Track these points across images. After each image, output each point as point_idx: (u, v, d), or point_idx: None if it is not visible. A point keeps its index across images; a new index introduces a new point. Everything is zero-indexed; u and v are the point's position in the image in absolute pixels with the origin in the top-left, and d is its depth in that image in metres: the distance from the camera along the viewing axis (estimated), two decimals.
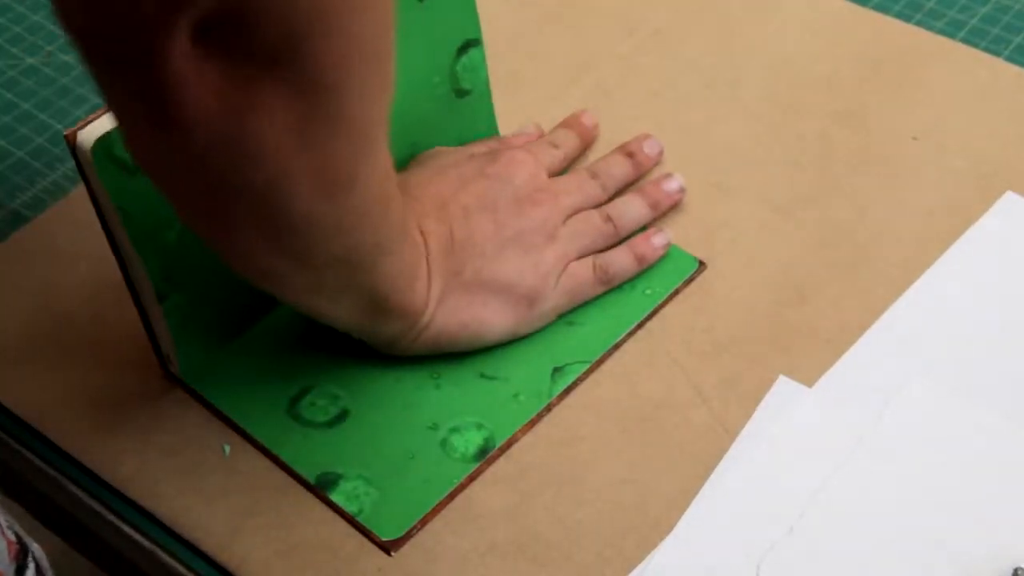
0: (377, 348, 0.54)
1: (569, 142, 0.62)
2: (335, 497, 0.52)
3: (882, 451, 0.52)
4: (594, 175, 0.59)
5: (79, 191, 0.62)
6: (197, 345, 0.55)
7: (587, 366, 0.55)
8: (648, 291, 0.58)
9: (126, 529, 0.53)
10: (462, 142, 0.62)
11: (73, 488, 0.55)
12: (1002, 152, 0.63)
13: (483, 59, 0.60)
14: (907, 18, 0.71)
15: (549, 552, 0.50)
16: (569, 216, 0.57)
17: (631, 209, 0.59)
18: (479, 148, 0.59)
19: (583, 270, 0.56)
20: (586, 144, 0.63)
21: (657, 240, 0.58)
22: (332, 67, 0.36)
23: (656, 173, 0.63)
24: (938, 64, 0.67)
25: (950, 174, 0.62)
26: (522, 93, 0.67)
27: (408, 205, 0.52)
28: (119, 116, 0.38)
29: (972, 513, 0.50)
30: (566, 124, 0.63)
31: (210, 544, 0.51)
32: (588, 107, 0.65)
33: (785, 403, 0.54)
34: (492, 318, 0.54)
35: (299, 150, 0.38)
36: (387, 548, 0.50)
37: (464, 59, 0.59)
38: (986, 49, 0.68)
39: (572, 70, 0.68)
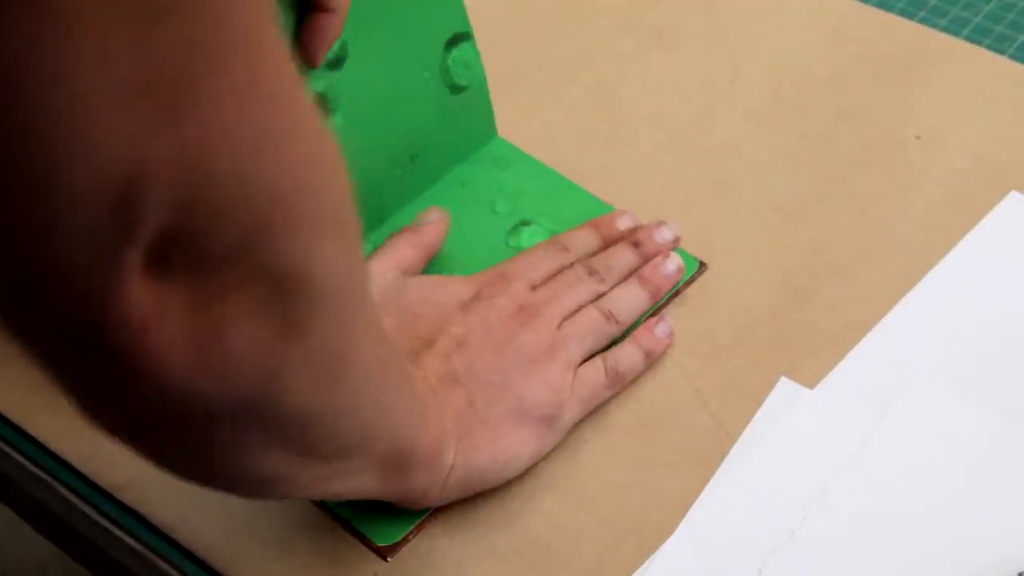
0: (411, 507, 0.50)
1: (585, 245, 0.58)
2: (331, 502, 0.52)
3: (885, 453, 0.52)
4: (592, 271, 0.56)
5: None
6: None
7: None
8: None
9: (120, 534, 0.53)
10: (461, 140, 0.62)
11: (66, 492, 0.54)
12: (1006, 151, 0.63)
13: (477, 55, 0.60)
14: (910, 15, 0.70)
15: (548, 558, 0.50)
16: (565, 319, 0.54)
17: (631, 300, 0.56)
18: (456, 287, 0.55)
19: (594, 375, 0.53)
20: (607, 245, 0.58)
21: (661, 331, 0.56)
22: (301, 251, 0.34)
23: (656, 183, 0.63)
24: (941, 62, 0.67)
25: (953, 174, 0.62)
26: (520, 92, 0.67)
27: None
28: (71, 392, 0.34)
29: (977, 516, 0.50)
30: (594, 225, 0.59)
31: (205, 550, 0.51)
32: (585, 106, 0.65)
33: (786, 405, 0.54)
34: (517, 447, 0.51)
35: (285, 347, 0.35)
36: (383, 554, 0.50)
37: (455, 53, 0.59)
38: (990, 47, 0.68)
39: (570, 68, 0.68)
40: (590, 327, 0.54)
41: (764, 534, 0.50)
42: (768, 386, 0.54)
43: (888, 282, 0.58)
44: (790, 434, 0.53)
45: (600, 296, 0.55)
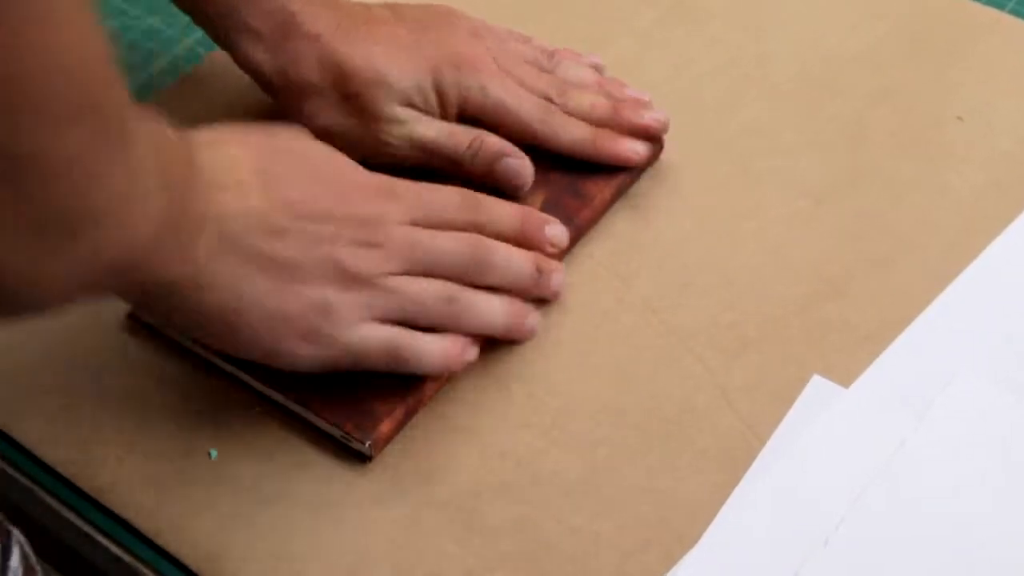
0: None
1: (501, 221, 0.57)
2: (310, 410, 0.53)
3: (925, 455, 0.52)
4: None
5: None
6: None
7: None
8: None
9: (104, 542, 0.53)
10: None
11: (46, 497, 0.54)
12: None
13: None
14: None
15: (564, 566, 0.50)
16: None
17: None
18: None
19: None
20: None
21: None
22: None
23: (677, 167, 0.63)
24: (985, 37, 0.67)
25: (997, 157, 0.62)
26: None
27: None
28: None
29: (1023, 520, 0.50)
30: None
31: (195, 558, 0.51)
32: None
33: (820, 405, 0.53)
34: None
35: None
36: (366, 448, 0.52)
37: None
38: None
39: (589, 45, 0.68)
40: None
41: (796, 542, 0.50)
42: (799, 384, 0.54)
43: (927, 274, 0.58)
44: (824, 436, 0.53)
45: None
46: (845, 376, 0.54)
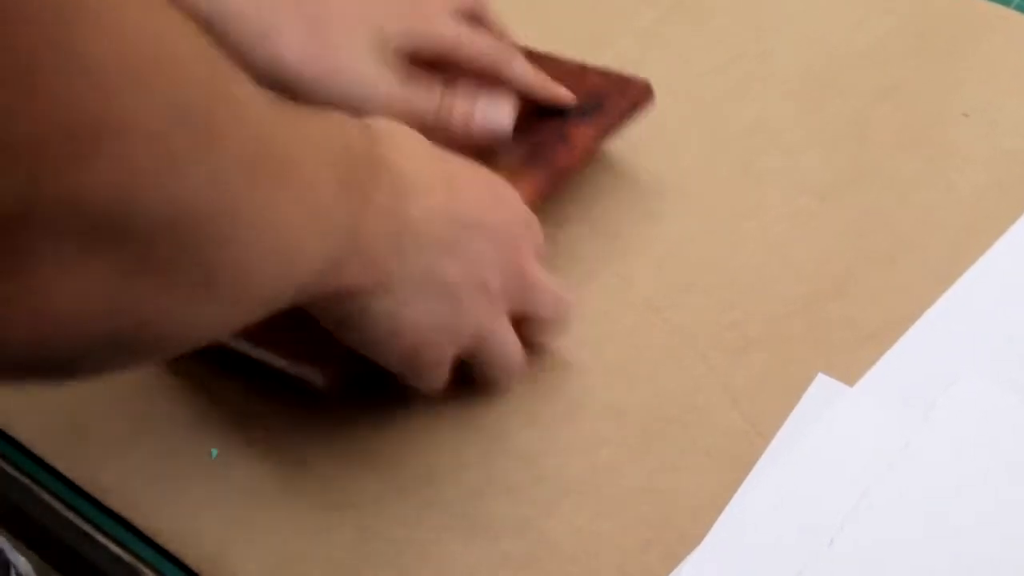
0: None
1: None
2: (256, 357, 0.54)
3: (931, 455, 0.52)
4: None
5: None
6: None
7: None
8: None
9: (105, 542, 0.53)
10: None
11: (47, 497, 0.54)
12: None
13: None
14: None
15: (566, 566, 0.50)
16: None
17: None
18: None
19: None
20: None
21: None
22: (114, 179, 0.31)
23: (680, 165, 0.63)
24: (990, 34, 0.67)
25: (1003, 155, 0.62)
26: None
27: None
28: None
29: None
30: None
31: (196, 558, 0.51)
32: None
33: (824, 404, 0.53)
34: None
35: (129, 287, 0.34)
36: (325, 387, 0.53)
37: None
38: None
39: (589, 44, 0.68)
40: None
41: (800, 543, 0.50)
42: (803, 383, 0.54)
43: (931, 272, 0.58)
44: (828, 435, 0.53)
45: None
46: (849, 375, 0.54)
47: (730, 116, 0.65)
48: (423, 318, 0.48)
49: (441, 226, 0.48)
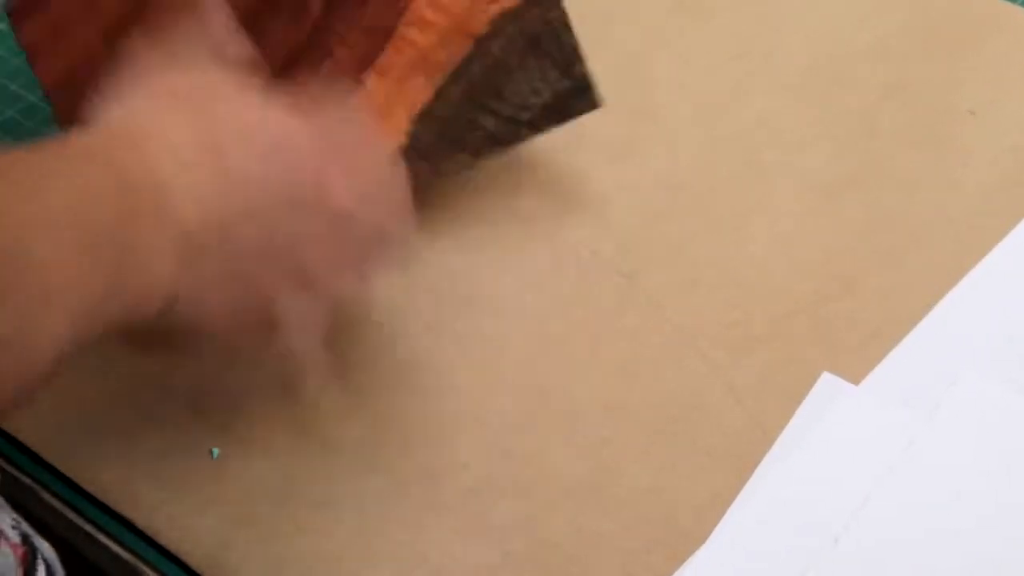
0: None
1: None
2: None
3: (935, 454, 0.52)
4: None
5: None
6: None
7: None
8: None
9: (105, 541, 0.53)
10: None
11: (47, 496, 0.54)
12: None
13: None
14: None
15: (568, 566, 0.50)
16: None
17: None
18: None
19: None
20: None
21: None
22: None
23: (683, 161, 0.62)
24: (997, 30, 0.66)
25: (1009, 152, 0.62)
26: None
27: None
28: None
29: None
30: None
31: (196, 557, 0.51)
32: (612, 79, 0.65)
33: (829, 402, 0.53)
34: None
35: None
36: None
37: None
38: None
39: (592, 38, 0.68)
40: None
41: (804, 542, 0.50)
42: (808, 382, 0.54)
43: (937, 270, 0.58)
44: (832, 434, 0.52)
45: None
46: (854, 373, 0.54)
47: (734, 113, 0.64)
48: (228, 310, 0.46)
49: (215, 210, 0.44)
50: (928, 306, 0.56)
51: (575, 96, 0.57)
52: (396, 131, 0.52)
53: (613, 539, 0.50)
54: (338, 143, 0.48)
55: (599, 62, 0.66)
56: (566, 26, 0.56)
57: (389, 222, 0.49)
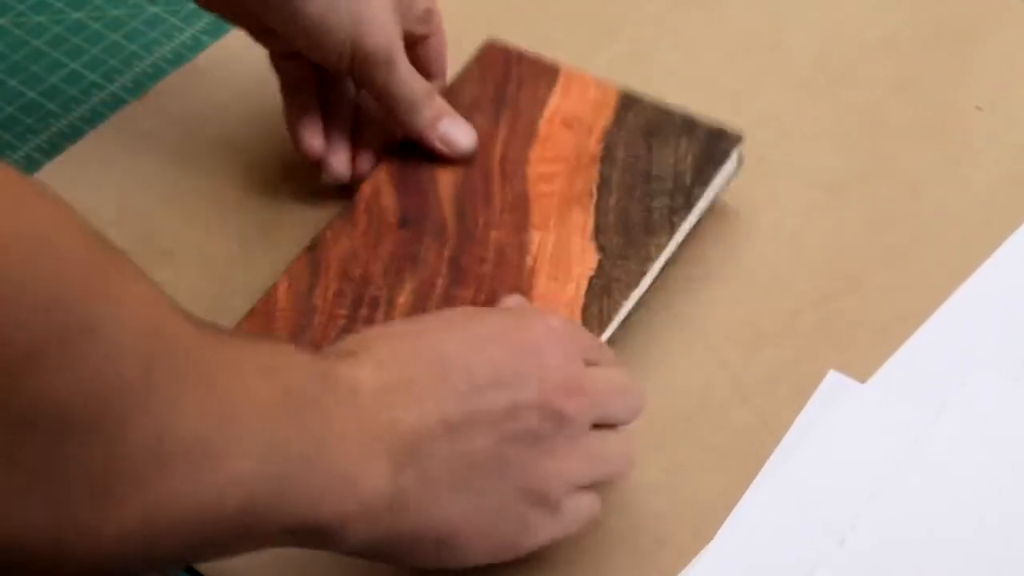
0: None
1: None
2: None
3: (943, 452, 0.52)
4: None
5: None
6: None
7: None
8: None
9: None
10: None
11: None
12: None
13: None
14: None
15: (576, 564, 0.50)
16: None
17: None
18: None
19: None
20: None
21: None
22: (36, 384, 0.31)
23: None
24: (1005, 25, 0.67)
25: (1017, 148, 0.62)
26: (550, 56, 0.66)
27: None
28: None
29: None
30: None
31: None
32: (618, 71, 0.65)
33: (836, 400, 0.54)
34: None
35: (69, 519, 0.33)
36: None
37: None
38: None
39: (600, 32, 0.68)
40: None
41: (811, 541, 0.50)
42: (815, 379, 0.54)
43: (944, 267, 0.58)
44: (839, 432, 0.53)
45: None
46: (861, 371, 0.55)
47: (742, 107, 0.64)
48: (471, 515, 0.44)
49: (438, 417, 0.43)
50: (935, 303, 0.57)
51: (716, 141, 0.59)
52: (583, 255, 0.55)
53: (622, 537, 0.51)
54: (544, 344, 0.46)
55: (605, 55, 0.67)
56: (665, 110, 0.60)
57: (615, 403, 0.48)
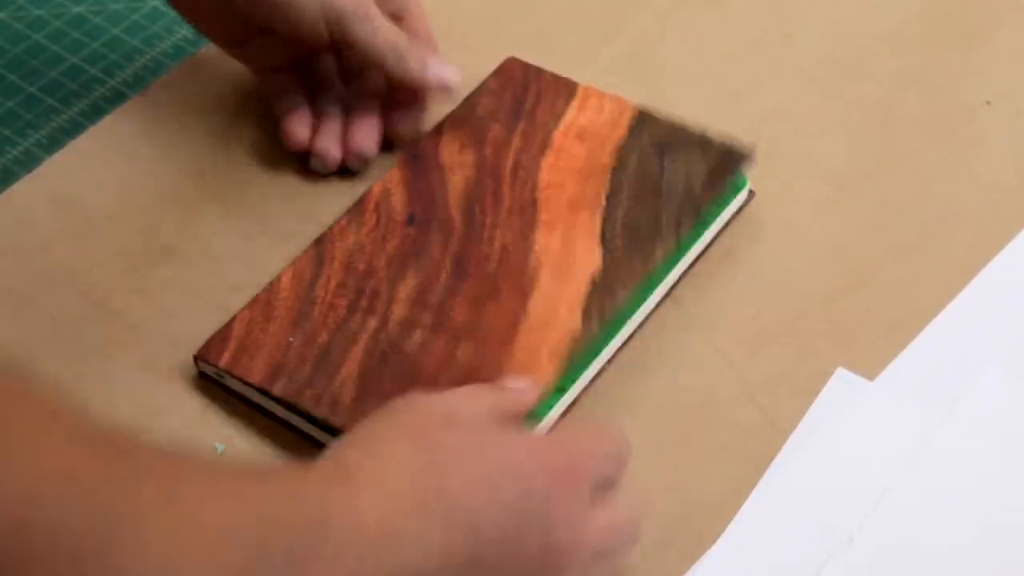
0: None
1: None
2: None
3: (952, 450, 0.52)
4: None
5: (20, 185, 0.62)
6: None
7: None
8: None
9: None
10: None
11: None
12: None
13: None
14: None
15: None
16: None
17: None
18: None
19: None
20: None
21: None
22: None
23: None
24: (1015, 19, 0.66)
25: None
26: (550, 53, 0.66)
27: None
28: None
29: None
30: None
31: None
32: (622, 69, 0.65)
33: (844, 398, 0.53)
34: None
35: None
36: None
37: None
38: None
39: (605, 28, 0.68)
40: None
41: (819, 541, 0.50)
42: (822, 377, 0.54)
43: (954, 263, 0.58)
44: (847, 430, 0.53)
45: None
46: (869, 369, 0.54)
47: (750, 101, 0.65)
48: None
49: (437, 554, 0.42)
50: (944, 300, 0.56)
51: (727, 155, 0.59)
52: (588, 256, 0.56)
53: None
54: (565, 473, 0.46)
55: (612, 50, 0.67)
56: (680, 127, 0.60)
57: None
